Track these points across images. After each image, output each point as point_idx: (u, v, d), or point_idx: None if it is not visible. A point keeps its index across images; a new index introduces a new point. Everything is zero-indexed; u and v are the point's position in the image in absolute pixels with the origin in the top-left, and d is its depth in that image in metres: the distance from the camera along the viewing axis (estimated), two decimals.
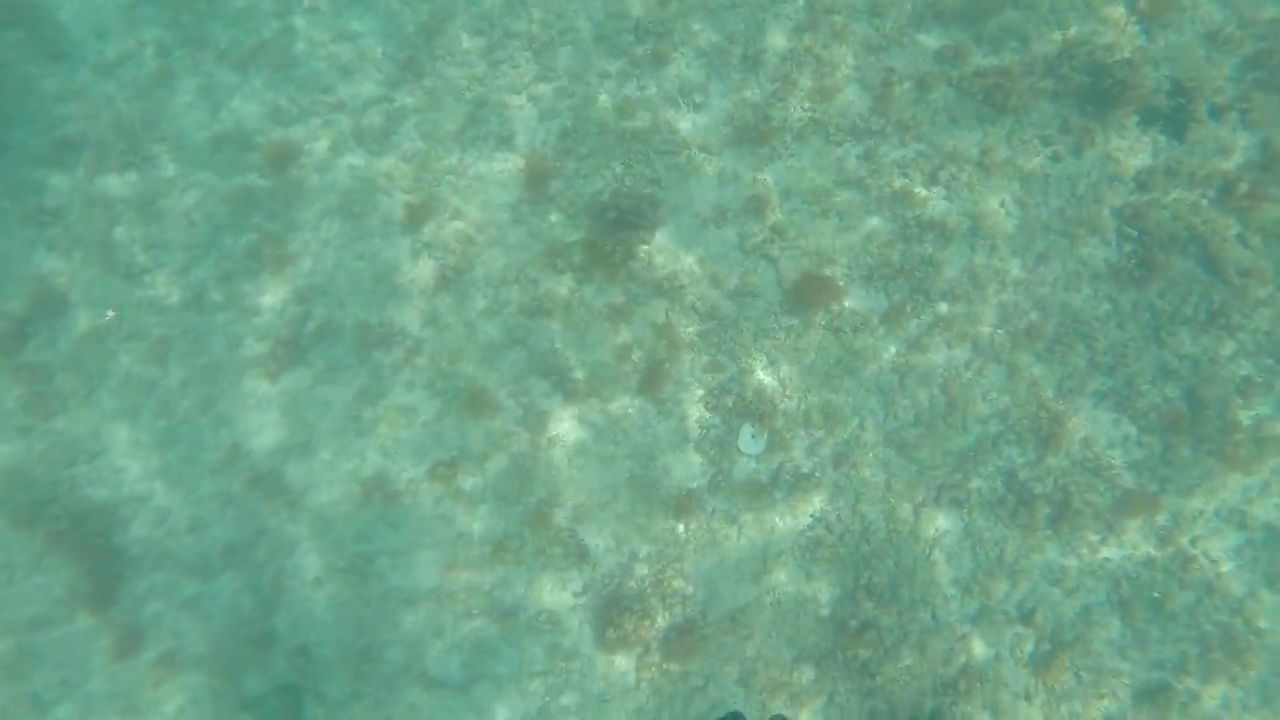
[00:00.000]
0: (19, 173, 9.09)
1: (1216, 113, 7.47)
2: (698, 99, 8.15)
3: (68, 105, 9.29)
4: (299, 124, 8.85)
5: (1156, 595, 6.68)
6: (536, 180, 8.14)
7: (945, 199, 7.67)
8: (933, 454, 7.26)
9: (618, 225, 7.77)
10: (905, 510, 7.15)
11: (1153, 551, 6.90)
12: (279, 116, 8.92)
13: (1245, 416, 7.03)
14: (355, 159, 8.63)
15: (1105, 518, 6.97)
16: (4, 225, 8.95)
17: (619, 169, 8.06)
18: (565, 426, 7.62)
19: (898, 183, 7.74)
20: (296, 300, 8.23)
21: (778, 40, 8.21)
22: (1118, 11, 7.84)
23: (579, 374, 7.68)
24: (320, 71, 9.01)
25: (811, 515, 7.21)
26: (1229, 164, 7.43)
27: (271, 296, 8.29)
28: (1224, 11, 7.68)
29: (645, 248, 7.82)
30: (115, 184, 8.96)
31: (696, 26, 8.36)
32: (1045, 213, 7.54)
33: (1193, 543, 6.88)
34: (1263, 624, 6.63)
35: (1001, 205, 7.60)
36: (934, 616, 6.90)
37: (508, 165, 8.27)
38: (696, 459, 7.49)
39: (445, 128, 8.49)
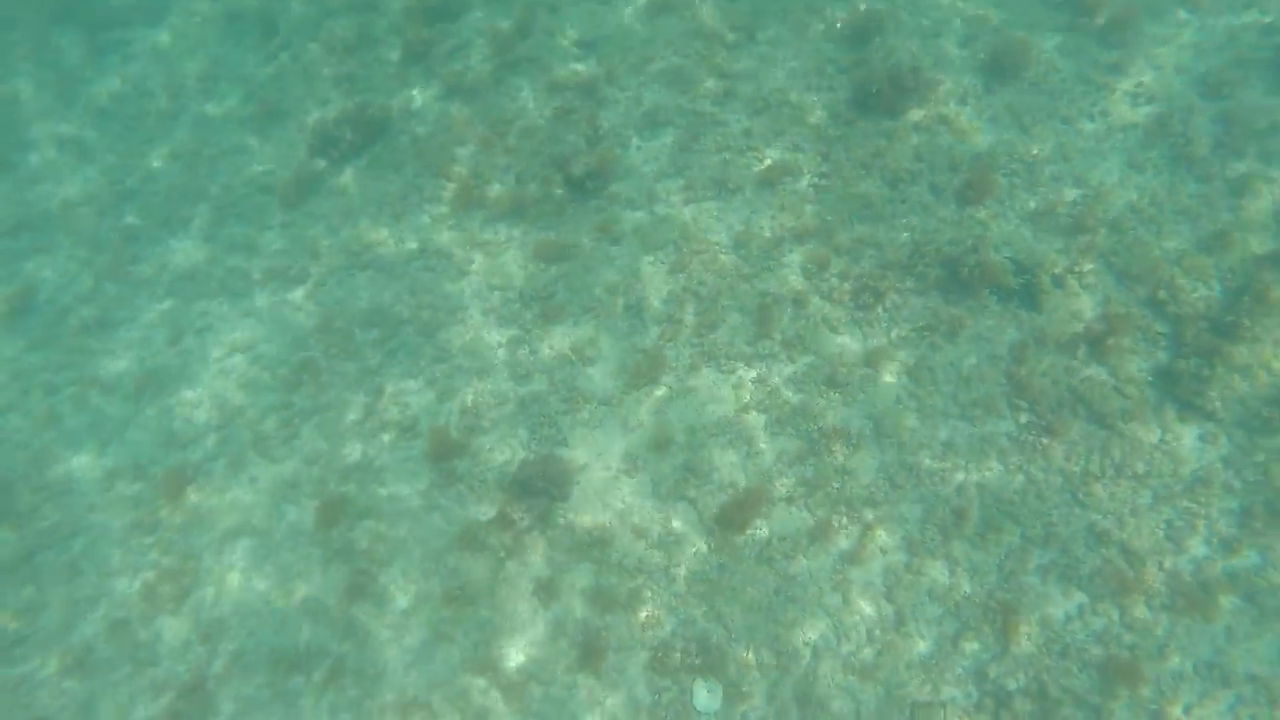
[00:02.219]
0: None
1: (1059, 281, 8.10)
2: (589, 353, 8.38)
3: None
4: (195, 446, 8.66)
5: None
6: (442, 462, 8.03)
7: (844, 404, 7.88)
8: (895, 671, 6.89)
9: (529, 494, 7.62)
10: None
11: None
12: (173, 441, 8.74)
13: (1183, 562, 6.98)
14: (256, 471, 8.40)
15: (1089, 702, 6.61)
16: None
17: (524, 435, 8.06)
18: None
19: (795, 398, 7.94)
20: (201, 639, 7.61)
21: (655, 285, 8.66)
22: (949, 209, 8.63)
23: (514, 660, 7.17)
24: (216, 389, 8.98)
25: None
26: (1082, 325, 7.93)
27: (171, 639, 7.65)
28: (1033, 197, 8.56)
29: (562, 512, 7.65)
30: None
31: (576, 283, 8.78)
32: (940, 400, 7.80)
33: (1187, 711, 6.54)
34: None
35: (898, 401, 7.84)
36: None
37: (412, 451, 8.17)
38: None
39: (344, 424, 8.44)
